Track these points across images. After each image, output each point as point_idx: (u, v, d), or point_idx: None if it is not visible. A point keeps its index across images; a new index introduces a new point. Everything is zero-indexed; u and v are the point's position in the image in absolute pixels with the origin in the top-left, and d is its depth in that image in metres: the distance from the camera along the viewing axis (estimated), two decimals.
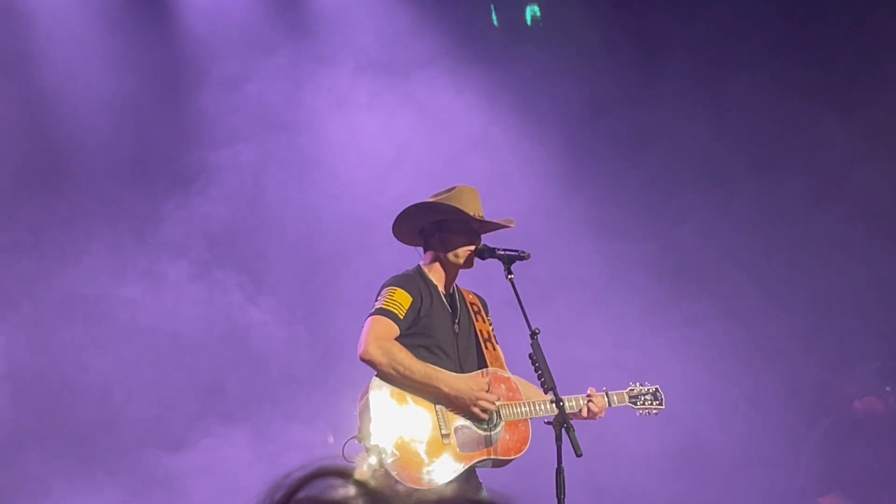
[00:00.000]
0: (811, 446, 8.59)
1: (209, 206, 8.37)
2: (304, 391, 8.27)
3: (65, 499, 7.62)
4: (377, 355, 5.34)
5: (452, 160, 8.52)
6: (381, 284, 5.61)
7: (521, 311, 5.41)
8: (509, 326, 5.76)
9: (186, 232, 8.31)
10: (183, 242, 8.30)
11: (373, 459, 5.28)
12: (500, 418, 5.52)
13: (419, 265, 5.70)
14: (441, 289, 5.64)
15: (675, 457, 8.55)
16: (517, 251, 5.56)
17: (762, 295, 8.96)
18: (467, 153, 8.68)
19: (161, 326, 8.16)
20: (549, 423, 5.33)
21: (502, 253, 5.56)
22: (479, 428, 5.48)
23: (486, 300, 5.91)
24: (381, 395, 5.38)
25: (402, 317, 5.45)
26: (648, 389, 5.86)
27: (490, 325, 5.80)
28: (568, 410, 5.43)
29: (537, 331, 5.36)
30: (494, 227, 5.66)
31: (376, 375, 5.42)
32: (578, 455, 5.12)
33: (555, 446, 5.24)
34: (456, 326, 5.62)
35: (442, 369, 5.46)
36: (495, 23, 9.24)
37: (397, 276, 5.64)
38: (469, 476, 5.46)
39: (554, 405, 5.33)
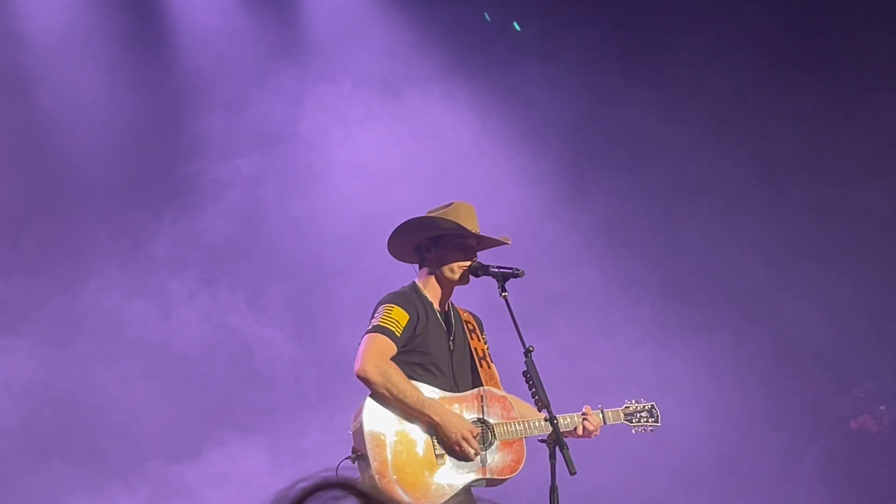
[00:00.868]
0: (810, 464, 8.58)
1: (210, 221, 8.45)
2: (308, 404, 8.33)
3: None
4: (373, 374, 5.34)
5: (449, 174, 8.55)
6: (377, 302, 5.60)
7: (515, 328, 5.38)
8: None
9: (189, 247, 8.42)
10: (185, 258, 8.39)
11: (372, 475, 5.29)
12: (495, 437, 5.50)
13: (414, 282, 5.69)
14: (436, 306, 5.64)
15: (670, 473, 8.55)
16: (511, 269, 5.54)
17: (759, 312, 8.96)
18: (464, 166, 8.70)
19: (166, 341, 8.27)
20: (542, 440, 5.31)
21: (496, 270, 5.54)
22: None
23: (481, 319, 5.90)
24: (374, 416, 5.38)
25: (399, 334, 5.45)
26: (644, 406, 5.84)
27: (485, 343, 5.80)
28: (563, 428, 5.41)
29: (531, 348, 5.35)
30: (491, 243, 5.66)
31: (370, 395, 5.42)
32: (572, 473, 5.10)
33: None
34: (451, 344, 5.61)
35: (435, 400, 5.44)
36: (488, 19, 9.27)
37: (394, 293, 5.63)
38: (464, 495, 5.44)
39: (548, 423, 5.31)
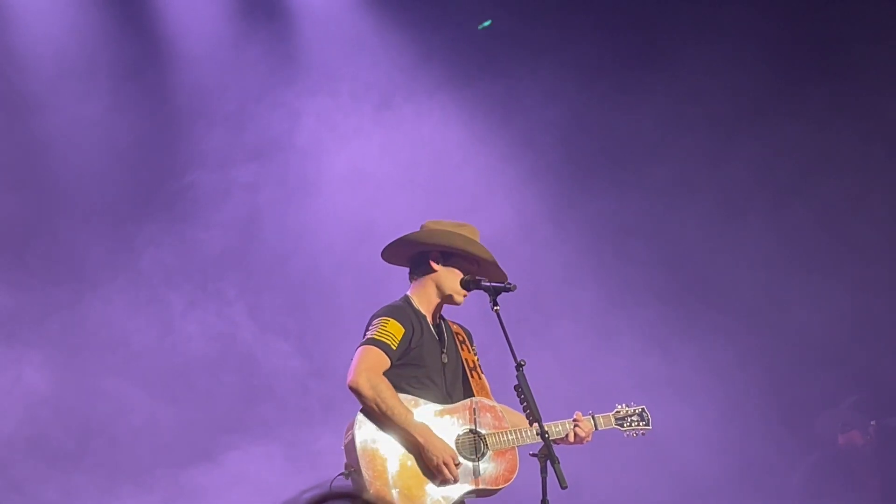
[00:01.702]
0: (799, 479, 8.61)
1: (210, 232, 8.55)
2: (312, 411, 8.43)
3: None
4: (365, 387, 5.39)
5: (444, 183, 8.61)
6: (372, 315, 5.64)
7: (506, 342, 5.38)
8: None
9: (188, 258, 8.50)
10: (184, 269, 8.48)
11: (368, 488, 5.36)
12: (488, 448, 5.54)
13: (406, 295, 5.73)
14: (429, 319, 5.68)
15: (661, 486, 8.61)
16: (503, 283, 5.57)
17: (762, 316, 8.98)
18: (459, 176, 8.76)
19: (169, 350, 8.38)
20: (534, 454, 5.29)
21: (487, 284, 5.57)
22: (466, 458, 5.50)
23: (470, 331, 5.95)
24: (366, 430, 5.44)
25: (394, 347, 5.49)
26: (635, 410, 5.88)
27: (475, 354, 5.85)
28: (555, 436, 5.48)
29: (523, 362, 5.34)
30: (497, 276, 5.65)
31: (360, 410, 5.47)
32: (563, 488, 5.10)
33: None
34: (444, 356, 5.66)
35: (423, 422, 5.47)
36: (488, 25, 9.30)
37: (388, 306, 5.66)
38: None
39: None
